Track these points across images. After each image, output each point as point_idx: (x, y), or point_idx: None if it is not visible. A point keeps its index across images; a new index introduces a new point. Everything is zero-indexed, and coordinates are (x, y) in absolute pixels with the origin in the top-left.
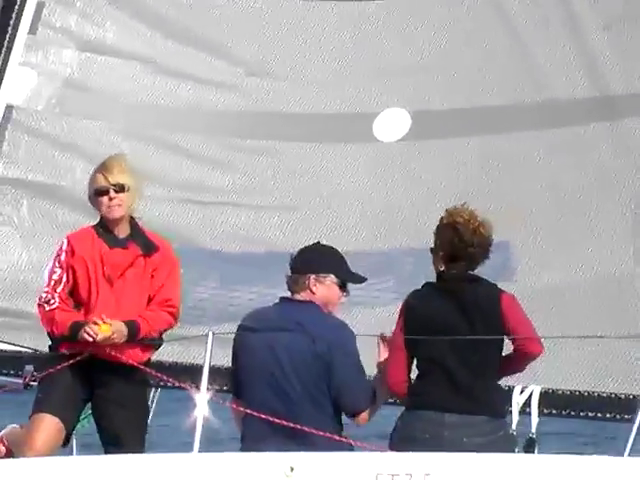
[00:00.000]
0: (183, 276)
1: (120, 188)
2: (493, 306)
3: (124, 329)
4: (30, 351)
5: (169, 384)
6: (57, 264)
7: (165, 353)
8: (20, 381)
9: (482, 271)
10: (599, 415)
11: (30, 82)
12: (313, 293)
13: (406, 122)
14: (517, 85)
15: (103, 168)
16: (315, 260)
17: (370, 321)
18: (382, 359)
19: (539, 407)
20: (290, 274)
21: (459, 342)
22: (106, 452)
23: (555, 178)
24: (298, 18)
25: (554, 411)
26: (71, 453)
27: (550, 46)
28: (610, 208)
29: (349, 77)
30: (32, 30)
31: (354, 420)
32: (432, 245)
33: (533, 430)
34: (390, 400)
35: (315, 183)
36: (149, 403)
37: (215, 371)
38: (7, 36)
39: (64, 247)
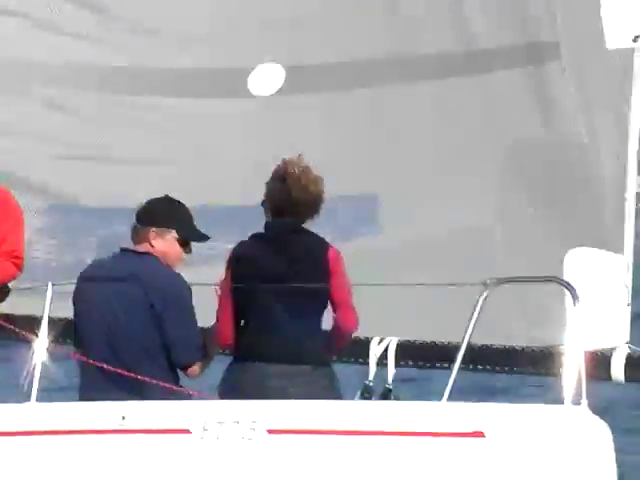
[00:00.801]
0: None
1: None
2: (318, 256)
3: None
4: None
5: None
6: None
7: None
8: None
9: (337, 222)
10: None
11: None
12: (152, 246)
13: (280, 76)
14: (391, 38)
15: None
16: (159, 213)
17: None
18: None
19: (396, 358)
20: (135, 224)
21: (284, 291)
22: None
23: (428, 133)
24: None
25: (410, 362)
26: None
27: None
28: (479, 165)
29: (226, 32)
30: None
31: (185, 373)
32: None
33: (389, 381)
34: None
35: (190, 138)
36: None
37: (53, 323)
38: None
39: None
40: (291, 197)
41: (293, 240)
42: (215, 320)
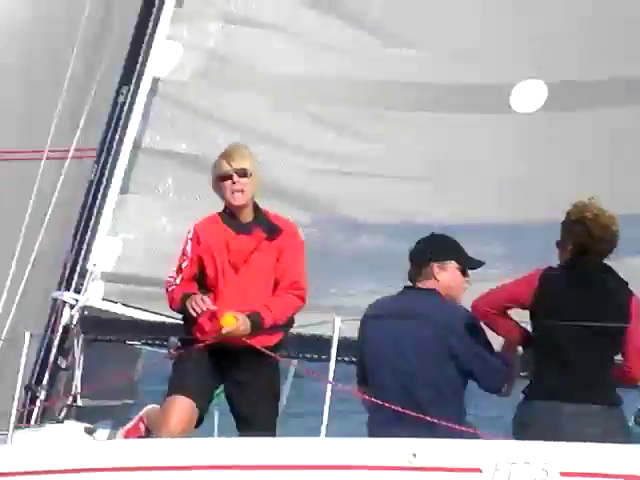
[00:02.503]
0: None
1: (243, 173)
2: (620, 299)
3: (247, 325)
4: (173, 321)
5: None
6: (183, 253)
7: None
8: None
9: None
10: None
11: (176, 54)
12: (437, 280)
13: (543, 93)
14: None
15: (226, 155)
16: (436, 248)
17: None
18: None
19: None
20: (411, 265)
21: (581, 331)
22: (240, 435)
23: None
24: None
25: None
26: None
27: None
28: None
29: (489, 48)
30: (179, 3)
31: (498, 394)
32: (559, 239)
33: None
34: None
35: (447, 153)
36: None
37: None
38: (154, 9)
39: (190, 236)
40: (593, 237)
41: (600, 279)
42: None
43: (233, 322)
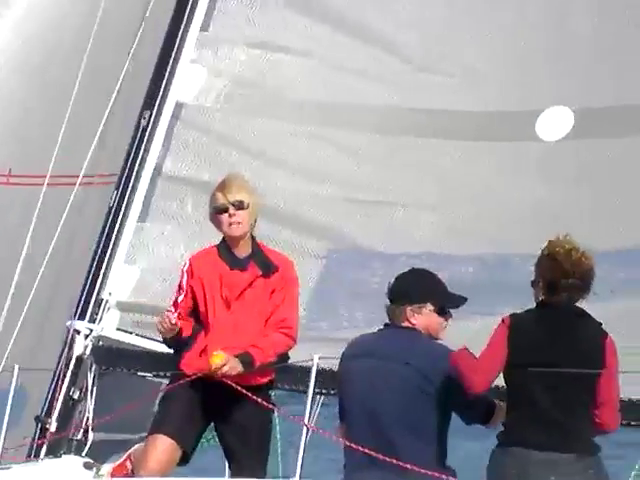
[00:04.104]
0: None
1: (239, 205)
2: (597, 346)
3: (237, 365)
4: None
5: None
6: (179, 286)
7: None
8: None
9: None
10: None
11: (200, 79)
12: (412, 324)
13: (569, 120)
14: None
15: (222, 187)
16: (410, 289)
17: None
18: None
19: None
20: (388, 304)
21: (554, 378)
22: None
23: None
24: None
25: None
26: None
27: None
28: None
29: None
30: (204, 27)
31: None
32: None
33: None
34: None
35: (472, 182)
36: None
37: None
38: (179, 33)
39: (185, 268)
40: (565, 272)
41: (573, 326)
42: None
43: (221, 361)
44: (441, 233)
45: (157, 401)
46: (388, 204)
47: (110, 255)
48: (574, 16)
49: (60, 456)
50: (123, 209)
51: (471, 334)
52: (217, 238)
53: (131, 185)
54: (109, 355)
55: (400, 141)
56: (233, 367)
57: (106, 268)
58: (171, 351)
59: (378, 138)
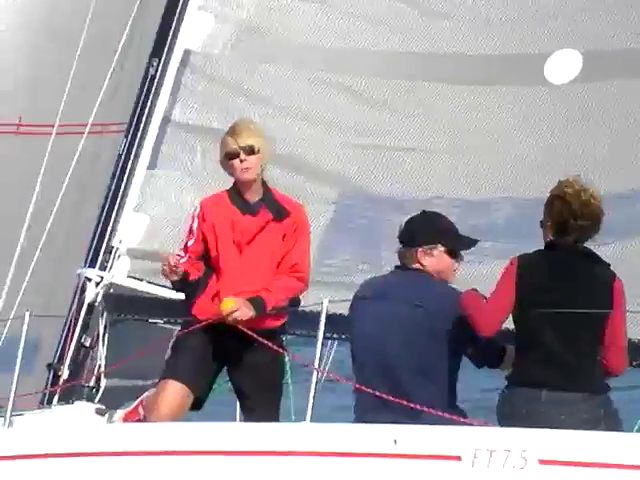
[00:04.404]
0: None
1: (250, 150)
2: (605, 287)
3: (249, 311)
4: None
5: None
6: (189, 230)
7: None
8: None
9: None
10: None
11: (208, 26)
12: (423, 266)
13: (578, 63)
14: None
15: (232, 132)
16: (421, 231)
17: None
18: None
19: None
20: (400, 246)
21: (563, 318)
22: (243, 419)
23: None
24: None
25: None
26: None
27: None
28: None
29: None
30: None
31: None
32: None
33: None
34: None
35: (482, 125)
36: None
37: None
38: None
39: (196, 213)
40: (574, 214)
41: (582, 266)
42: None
43: (232, 306)
44: (451, 178)
45: (169, 347)
46: (397, 149)
47: (120, 203)
48: None
49: (72, 403)
50: (132, 157)
51: (482, 277)
52: (227, 184)
53: (140, 133)
54: (120, 302)
55: (408, 86)
56: (245, 313)
57: (116, 216)
58: (182, 297)
59: (386, 83)
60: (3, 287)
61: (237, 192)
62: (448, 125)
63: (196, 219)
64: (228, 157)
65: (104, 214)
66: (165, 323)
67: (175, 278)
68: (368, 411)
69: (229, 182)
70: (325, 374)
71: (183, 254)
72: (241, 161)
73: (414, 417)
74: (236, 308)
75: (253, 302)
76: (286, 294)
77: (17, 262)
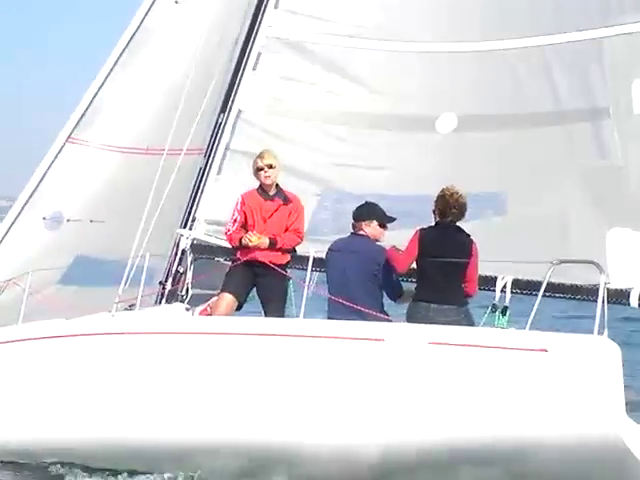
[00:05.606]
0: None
1: (270, 166)
2: (467, 247)
3: (267, 241)
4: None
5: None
6: (236, 210)
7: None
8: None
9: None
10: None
11: (253, 93)
12: (365, 232)
13: (454, 121)
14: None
15: (260, 155)
16: (363, 212)
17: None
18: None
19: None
20: (353, 221)
21: (443, 264)
22: (264, 316)
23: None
24: None
25: (518, 290)
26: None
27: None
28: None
29: (425, 90)
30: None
31: (397, 301)
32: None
33: (507, 302)
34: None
35: (397, 158)
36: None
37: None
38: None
39: (239, 201)
40: (449, 205)
41: (456, 234)
42: (400, 254)
43: (257, 238)
44: (384, 184)
45: (224, 274)
46: (357, 167)
47: (201, 193)
48: None
49: (171, 303)
50: (208, 168)
51: (399, 239)
52: (256, 185)
53: (213, 154)
54: (200, 248)
55: (361, 132)
56: (263, 242)
57: (198, 201)
58: (232, 247)
59: (353, 130)
60: (134, 243)
61: (262, 189)
62: (381, 154)
63: (239, 204)
64: (257, 170)
65: (191, 200)
66: (224, 260)
67: (245, 243)
68: (333, 311)
69: (257, 184)
70: (312, 289)
71: (232, 224)
72: (265, 172)
73: (360, 316)
74: (259, 239)
75: (269, 239)
76: (290, 243)
77: (144, 228)
